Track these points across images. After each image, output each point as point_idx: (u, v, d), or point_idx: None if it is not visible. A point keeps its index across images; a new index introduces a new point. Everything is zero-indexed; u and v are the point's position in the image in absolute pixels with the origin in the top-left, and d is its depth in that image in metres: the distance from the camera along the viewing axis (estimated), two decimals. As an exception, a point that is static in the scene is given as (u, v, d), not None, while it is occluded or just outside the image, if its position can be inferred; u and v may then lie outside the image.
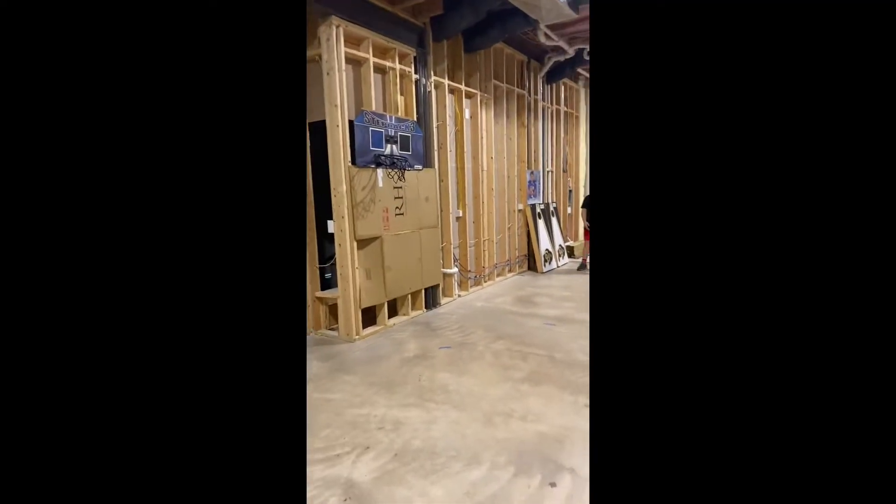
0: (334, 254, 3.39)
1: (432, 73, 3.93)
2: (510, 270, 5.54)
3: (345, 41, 3.10)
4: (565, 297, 4.47)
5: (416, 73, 3.76)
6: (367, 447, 1.94)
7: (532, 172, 5.81)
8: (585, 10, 4.10)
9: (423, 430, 2.07)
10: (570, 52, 5.31)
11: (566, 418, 2.14)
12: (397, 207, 3.59)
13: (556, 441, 1.95)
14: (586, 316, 3.78)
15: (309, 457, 1.88)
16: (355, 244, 3.29)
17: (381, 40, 3.40)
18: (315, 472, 1.77)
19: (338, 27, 3.03)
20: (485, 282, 4.98)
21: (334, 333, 3.48)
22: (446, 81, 4.14)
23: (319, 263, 3.54)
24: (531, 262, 5.84)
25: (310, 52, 3.19)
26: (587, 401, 2.30)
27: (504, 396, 2.38)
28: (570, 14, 3.92)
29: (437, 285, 4.18)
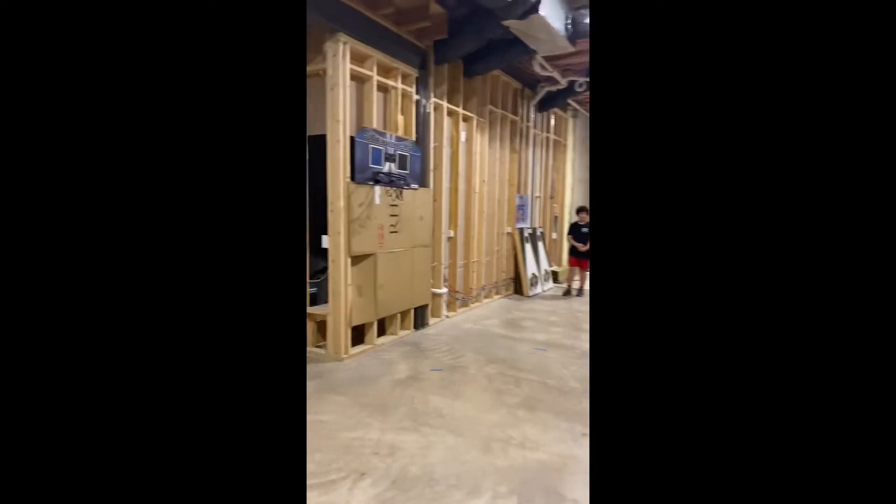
0: (323, 268, 3.32)
1: (432, 94, 3.98)
2: (497, 293, 5.55)
3: (350, 58, 3.11)
4: (552, 321, 4.49)
5: (416, 93, 3.80)
6: (363, 473, 1.86)
7: (521, 197, 5.89)
8: (581, 44, 4.24)
9: (419, 455, 2.01)
10: (563, 82, 5.47)
11: (564, 446, 2.11)
12: (392, 225, 3.57)
13: (556, 471, 1.92)
14: (574, 342, 3.80)
15: (302, 482, 1.79)
16: (349, 260, 3.24)
17: (386, 59, 3.43)
18: (310, 499, 1.69)
19: (345, 44, 3.05)
20: (472, 303, 4.96)
21: (321, 351, 3.38)
22: (445, 104, 4.20)
23: (309, 279, 3.47)
24: (517, 286, 5.86)
25: (315, 67, 3.19)
26: (584, 429, 2.28)
27: (500, 422, 2.34)
28: (568, 47, 4.05)
29: (427, 305, 4.14)
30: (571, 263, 5.91)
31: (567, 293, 5.83)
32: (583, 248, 5.67)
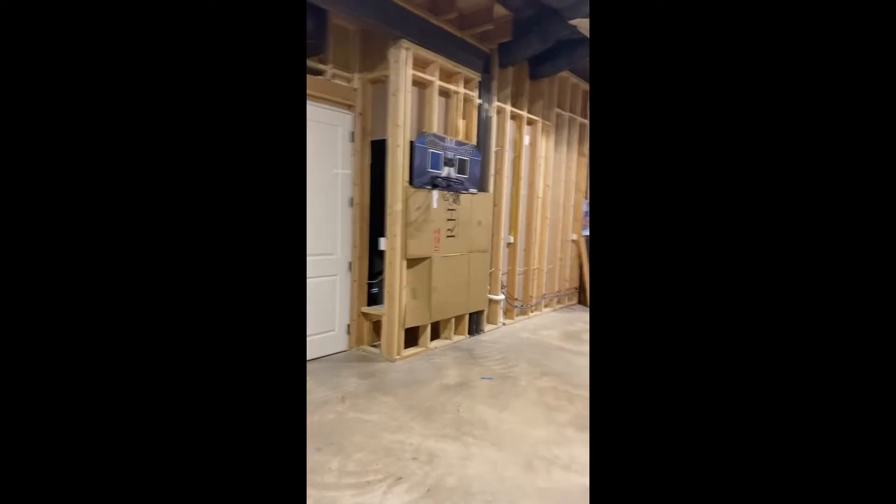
0: (383, 270, 3.39)
1: (495, 98, 3.93)
2: (559, 303, 5.35)
3: (413, 63, 3.16)
4: (617, 336, 4.23)
5: (479, 97, 3.77)
6: (400, 478, 1.86)
7: (589, 203, 5.63)
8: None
9: (458, 466, 1.97)
10: (639, 83, 5.16)
11: (615, 474, 1.96)
12: (449, 229, 3.57)
13: (603, 499, 1.78)
14: (639, 360, 3.53)
15: (340, 481, 1.83)
16: (405, 263, 3.29)
17: (448, 64, 3.44)
18: (344, 499, 1.72)
19: (407, 50, 3.10)
20: (531, 312, 4.82)
21: (376, 351, 3.46)
22: (508, 107, 4.13)
23: (368, 279, 3.56)
24: (582, 296, 5.61)
25: (379, 73, 3.28)
26: (639, 457, 2.10)
27: (547, 440, 2.23)
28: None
29: (482, 311, 4.08)
30: None
31: None
32: None
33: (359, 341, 3.55)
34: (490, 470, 1.94)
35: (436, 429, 2.29)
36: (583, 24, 3.41)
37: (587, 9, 3.08)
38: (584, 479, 1.90)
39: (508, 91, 4.10)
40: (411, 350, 3.45)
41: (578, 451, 2.13)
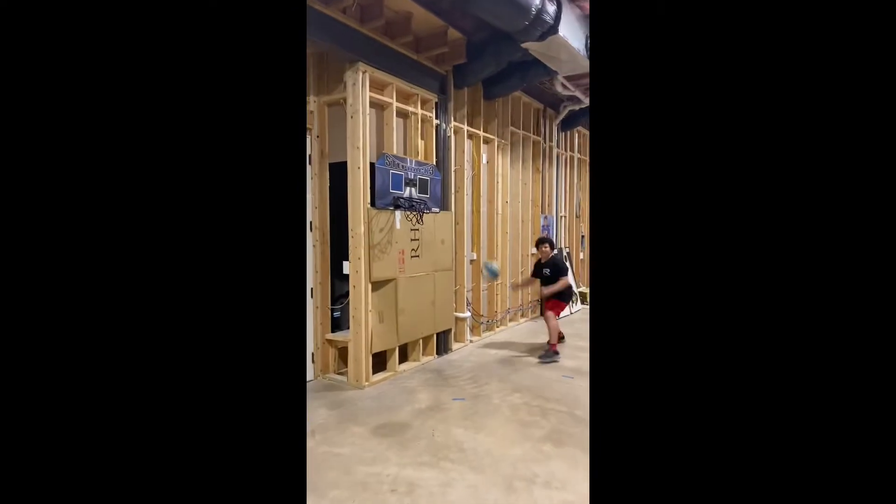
0: (345, 294, 3.31)
1: (452, 118, 3.99)
2: (523, 316, 5.41)
3: (370, 86, 3.15)
4: (581, 346, 4.32)
5: (436, 118, 3.81)
6: (380, 513, 1.78)
7: (546, 217, 5.79)
8: (603, 63, 4.17)
9: (439, 494, 1.91)
10: (585, 101, 5.40)
11: (594, 487, 1.97)
12: (413, 250, 3.54)
13: (586, 514, 1.78)
14: (605, 368, 3.61)
15: (316, 522, 1.72)
16: (370, 286, 3.22)
17: (405, 86, 3.46)
18: (322, 542, 1.62)
19: (364, 73, 3.09)
20: (497, 327, 4.84)
21: (343, 378, 3.34)
22: (465, 127, 4.19)
23: (331, 304, 3.46)
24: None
25: (336, 96, 3.24)
26: (616, 467, 2.13)
27: (525, 458, 2.22)
28: (589, 66, 3.99)
29: (450, 330, 4.06)
30: (548, 308, 4.16)
31: (548, 357, 3.86)
32: (546, 291, 4.12)
33: (324, 370, 3.42)
34: (472, 495, 1.90)
35: (412, 456, 2.23)
36: (534, 47, 3.54)
37: (538, 32, 3.21)
38: (566, 496, 1.90)
39: (465, 111, 4.18)
40: (380, 375, 3.36)
41: (557, 466, 2.13)
